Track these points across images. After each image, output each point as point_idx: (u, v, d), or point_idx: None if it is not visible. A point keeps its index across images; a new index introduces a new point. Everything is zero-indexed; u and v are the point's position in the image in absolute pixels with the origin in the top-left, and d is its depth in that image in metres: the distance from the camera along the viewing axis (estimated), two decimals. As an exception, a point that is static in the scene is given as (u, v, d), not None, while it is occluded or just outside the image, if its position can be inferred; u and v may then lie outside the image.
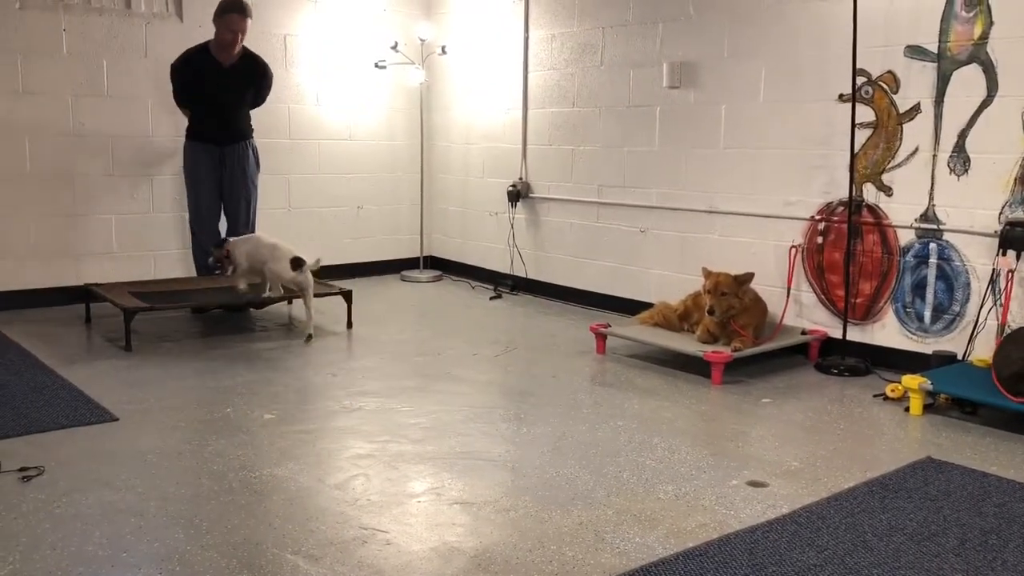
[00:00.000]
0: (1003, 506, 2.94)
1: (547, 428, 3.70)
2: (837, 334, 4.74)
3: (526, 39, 6.49)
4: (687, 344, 4.64)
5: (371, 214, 7.21)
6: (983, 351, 4.17)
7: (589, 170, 6.12)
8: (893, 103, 4.50)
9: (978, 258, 4.27)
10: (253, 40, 5.63)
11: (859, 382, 4.42)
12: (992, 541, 2.68)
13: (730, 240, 5.28)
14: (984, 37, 4.14)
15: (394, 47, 6.86)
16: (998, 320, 4.17)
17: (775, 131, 4.99)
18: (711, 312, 4.56)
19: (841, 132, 4.63)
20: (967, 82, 4.22)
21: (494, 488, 3.07)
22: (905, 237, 4.54)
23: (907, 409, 3.95)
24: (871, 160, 4.61)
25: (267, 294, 5.37)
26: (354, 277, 6.82)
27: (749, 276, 4.63)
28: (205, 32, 5.61)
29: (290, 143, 6.68)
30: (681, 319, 4.95)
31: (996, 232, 4.16)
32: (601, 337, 4.94)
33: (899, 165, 4.51)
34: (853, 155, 4.57)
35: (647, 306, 5.28)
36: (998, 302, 4.19)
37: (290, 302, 5.78)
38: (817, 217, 4.87)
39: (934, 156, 4.37)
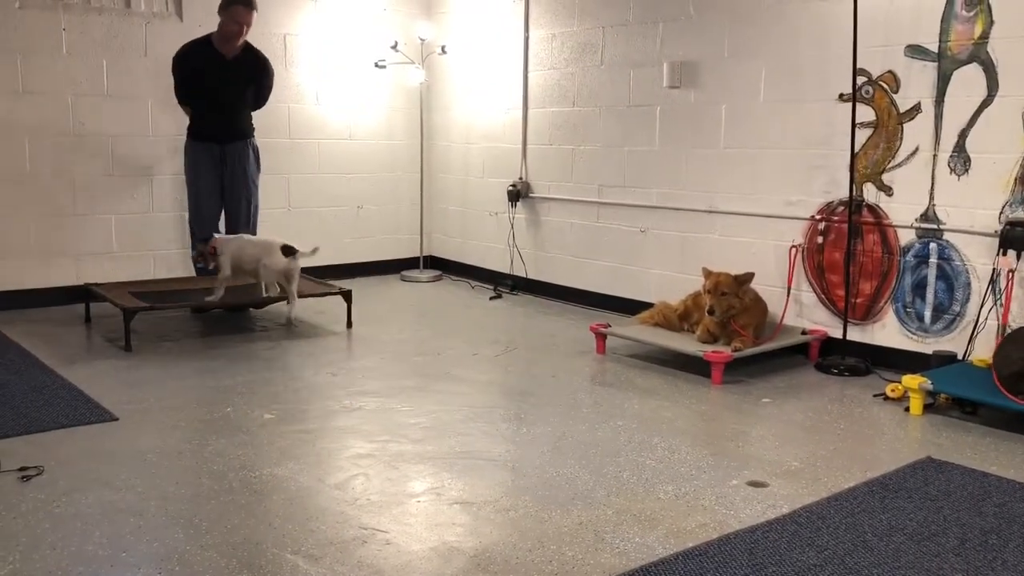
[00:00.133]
0: (1003, 506, 2.94)
1: (547, 428, 3.70)
2: (837, 334, 4.74)
3: (526, 39, 6.49)
4: (687, 344, 4.64)
5: (371, 214, 7.21)
6: (983, 351, 4.17)
7: (589, 170, 6.11)
8: (893, 103, 4.50)
9: (978, 258, 4.27)
10: (253, 40, 5.62)
11: (859, 382, 4.42)
12: (992, 541, 2.68)
13: (730, 240, 5.27)
14: (984, 37, 4.14)
15: (394, 47, 6.86)
16: (998, 320, 4.17)
17: (775, 131, 4.99)
18: (711, 312, 4.55)
19: (841, 132, 4.63)
20: (967, 82, 4.22)
21: (494, 488, 3.07)
22: (905, 237, 4.54)
23: (907, 409, 3.95)
24: (871, 160, 4.61)
25: (267, 294, 5.37)
26: (354, 277, 6.82)
27: (749, 276, 4.63)
28: (205, 31, 5.59)
29: (290, 143, 6.68)
30: (681, 319, 4.95)
31: (996, 232, 4.16)
32: (601, 337, 4.94)
33: (899, 165, 4.51)
34: (853, 155, 4.56)
35: (647, 306, 5.28)
36: (998, 302, 4.18)
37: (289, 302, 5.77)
38: (817, 217, 4.87)
39: (934, 156, 4.37)
